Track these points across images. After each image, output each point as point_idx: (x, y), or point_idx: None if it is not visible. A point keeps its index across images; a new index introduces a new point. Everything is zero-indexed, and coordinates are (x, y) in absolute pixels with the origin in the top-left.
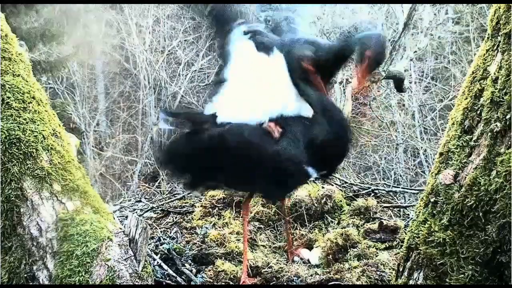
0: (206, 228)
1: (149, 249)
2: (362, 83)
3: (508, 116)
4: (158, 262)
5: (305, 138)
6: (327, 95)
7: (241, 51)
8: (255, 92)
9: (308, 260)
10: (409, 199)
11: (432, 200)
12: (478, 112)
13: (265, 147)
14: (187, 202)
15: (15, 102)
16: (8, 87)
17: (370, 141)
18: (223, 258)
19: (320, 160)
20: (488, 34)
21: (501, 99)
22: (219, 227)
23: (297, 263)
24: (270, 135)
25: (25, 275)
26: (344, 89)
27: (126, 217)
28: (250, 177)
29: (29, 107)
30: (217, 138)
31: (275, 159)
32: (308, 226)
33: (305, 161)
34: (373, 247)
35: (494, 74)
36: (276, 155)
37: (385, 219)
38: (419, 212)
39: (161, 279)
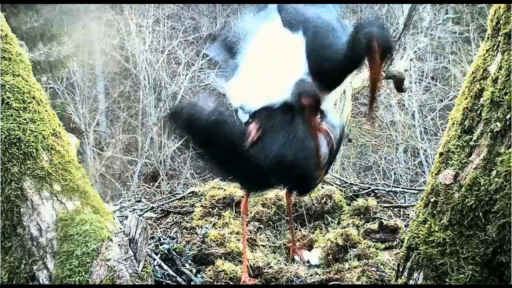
0: (206, 228)
1: (149, 249)
2: (378, 76)
3: (508, 116)
4: (158, 262)
5: (279, 150)
6: (316, 135)
7: (265, 28)
8: (270, 74)
9: (308, 260)
10: (409, 199)
11: (432, 200)
12: (478, 112)
13: (240, 148)
14: (187, 202)
15: (15, 102)
16: (8, 87)
17: (370, 141)
18: (223, 258)
19: (283, 178)
20: (488, 34)
21: (501, 99)
22: (219, 227)
23: (297, 263)
24: (247, 137)
25: (25, 275)
26: (344, 89)
27: (126, 217)
28: (227, 167)
29: (29, 107)
30: (205, 126)
31: (247, 160)
32: (308, 226)
33: (272, 172)
34: (373, 247)
35: (494, 74)
36: (248, 157)
37: (385, 219)
38: (419, 212)
39: (161, 279)
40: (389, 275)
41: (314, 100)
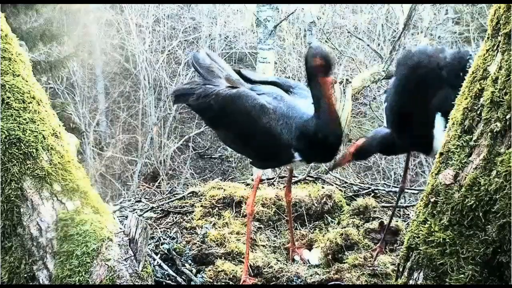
0: (206, 228)
1: (149, 249)
2: (342, 162)
3: (508, 116)
4: (158, 262)
5: (299, 125)
6: (332, 95)
7: None
8: None
9: (308, 260)
10: (409, 199)
11: (432, 200)
12: (478, 112)
13: (260, 123)
14: (187, 202)
15: (15, 102)
16: (8, 87)
17: None
18: (223, 258)
19: (308, 149)
20: (488, 34)
21: (501, 99)
22: (219, 227)
23: (297, 263)
24: (268, 112)
25: (25, 275)
26: (344, 89)
27: (126, 217)
28: (242, 141)
29: (29, 107)
30: (223, 98)
31: (267, 135)
32: (308, 226)
33: (293, 145)
34: (373, 247)
35: (494, 74)
36: (268, 132)
37: (385, 219)
38: (419, 212)
39: (161, 279)
40: (385, 270)
41: (326, 60)
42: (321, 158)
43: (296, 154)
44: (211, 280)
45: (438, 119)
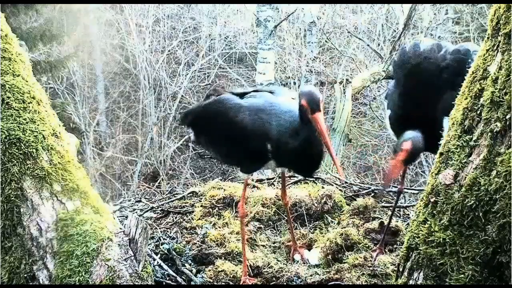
0: (206, 228)
1: (149, 249)
2: (394, 174)
3: (508, 116)
4: (158, 262)
5: (281, 127)
6: (324, 129)
7: None
8: None
9: (308, 260)
10: (409, 199)
11: (432, 200)
12: (478, 112)
13: (236, 121)
14: (187, 202)
15: (15, 102)
16: (8, 87)
17: (370, 141)
18: (223, 258)
19: (281, 157)
20: (488, 34)
21: (501, 99)
22: (219, 227)
23: (297, 263)
24: (243, 109)
25: (25, 275)
26: (344, 89)
27: (126, 217)
28: (222, 146)
29: (29, 107)
30: (203, 107)
31: (242, 130)
32: (308, 226)
33: (269, 140)
34: (373, 247)
35: (494, 74)
36: (242, 128)
37: (385, 219)
38: (419, 212)
39: (161, 279)
40: (385, 271)
41: (311, 102)
42: (293, 167)
43: (269, 147)
44: (211, 280)
45: (446, 122)
